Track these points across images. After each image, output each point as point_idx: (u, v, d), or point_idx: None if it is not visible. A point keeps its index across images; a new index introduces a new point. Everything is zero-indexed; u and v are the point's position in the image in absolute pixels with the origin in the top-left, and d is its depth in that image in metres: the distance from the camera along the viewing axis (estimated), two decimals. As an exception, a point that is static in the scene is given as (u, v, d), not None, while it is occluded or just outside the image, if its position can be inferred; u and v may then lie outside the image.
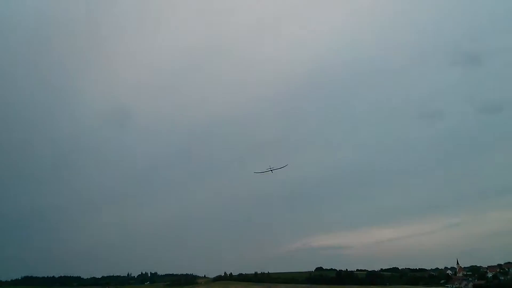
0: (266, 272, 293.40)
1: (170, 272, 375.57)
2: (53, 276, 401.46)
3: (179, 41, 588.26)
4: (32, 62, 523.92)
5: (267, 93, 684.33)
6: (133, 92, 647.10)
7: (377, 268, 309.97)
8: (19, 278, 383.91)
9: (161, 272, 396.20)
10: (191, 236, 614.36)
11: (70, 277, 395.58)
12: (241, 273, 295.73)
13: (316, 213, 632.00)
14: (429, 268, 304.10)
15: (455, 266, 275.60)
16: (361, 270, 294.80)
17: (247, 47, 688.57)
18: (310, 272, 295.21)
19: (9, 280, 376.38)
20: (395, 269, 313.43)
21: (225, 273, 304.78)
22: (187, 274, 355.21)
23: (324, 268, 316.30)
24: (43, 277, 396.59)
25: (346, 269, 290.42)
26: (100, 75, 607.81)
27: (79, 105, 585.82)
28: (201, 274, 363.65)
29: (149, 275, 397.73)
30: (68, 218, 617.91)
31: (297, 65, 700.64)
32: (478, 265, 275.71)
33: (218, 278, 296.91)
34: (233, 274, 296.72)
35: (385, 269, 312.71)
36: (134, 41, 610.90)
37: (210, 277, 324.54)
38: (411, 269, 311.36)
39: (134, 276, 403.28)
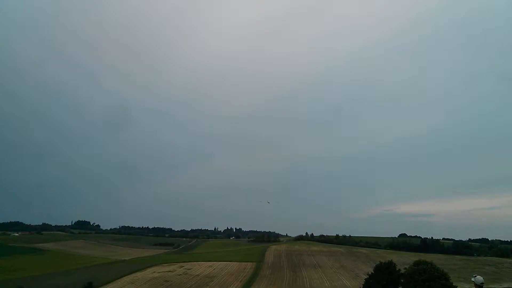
0: (347, 235, 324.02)
1: (254, 229, 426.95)
2: (147, 227, 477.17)
3: None
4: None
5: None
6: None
7: (465, 238, 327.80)
8: (117, 227, 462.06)
9: (245, 228, 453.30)
10: (276, 196, 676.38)
11: (163, 228, 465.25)
12: (323, 235, 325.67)
13: (401, 178, 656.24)
14: None
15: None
16: (447, 239, 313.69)
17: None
18: (393, 238, 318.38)
19: (109, 229, 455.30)
20: (484, 240, 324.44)
21: (306, 233, 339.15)
22: (269, 232, 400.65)
23: (408, 235, 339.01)
24: (138, 227, 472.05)
25: (432, 237, 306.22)
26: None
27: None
28: (283, 233, 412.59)
29: (234, 230, 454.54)
30: (160, 174, 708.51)
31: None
32: None
33: (300, 238, 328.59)
34: (314, 235, 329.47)
35: (473, 239, 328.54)
36: None
37: (292, 236, 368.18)
38: (502, 241, 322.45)
39: (221, 231, 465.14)
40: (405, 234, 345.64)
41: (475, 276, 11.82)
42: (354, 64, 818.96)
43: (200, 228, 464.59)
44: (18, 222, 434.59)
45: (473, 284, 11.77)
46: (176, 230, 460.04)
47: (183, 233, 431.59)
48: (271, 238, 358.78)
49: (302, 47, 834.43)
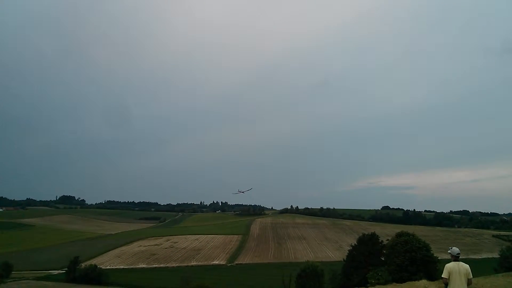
0: (331, 208, 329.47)
1: (240, 203, 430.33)
2: (133, 201, 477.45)
3: None
4: None
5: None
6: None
7: (446, 210, 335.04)
8: (103, 202, 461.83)
9: (231, 202, 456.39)
10: (260, 169, 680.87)
11: (148, 203, 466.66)
12: (307, 207, 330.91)
13: (385, 152, 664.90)
14: (502, 213, 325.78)
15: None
16: (429, 211, 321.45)
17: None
18: (376, 210, 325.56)
19: (94, 204, 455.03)
20: (465, 212, 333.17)
21: (291, 206, 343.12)
22: (255, 206, 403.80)
23: (391, 207, 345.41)
24: (124, 202, 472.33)
25: (414, 209, 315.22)
26: None
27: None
28: (268, 206, 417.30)
29: (220, 204, 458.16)
30: (146, 150, 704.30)
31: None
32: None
33: (285, 211, 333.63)
34: (299, 208, 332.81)
35: (454, 211, 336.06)
36: None
37: (277, 209, 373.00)
38: (482, 212, 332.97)
39: (206, 205, 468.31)
40: (388, 206, 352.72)
41: (451, 248, 12.30)
42: (341, 36, 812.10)
43: (186, 202, 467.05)
44: (1, 197, 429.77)
45: (449, 255, 12.23)
46: (162, 204, 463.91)
47: (169, 207, 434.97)
48: (256, 211, 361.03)
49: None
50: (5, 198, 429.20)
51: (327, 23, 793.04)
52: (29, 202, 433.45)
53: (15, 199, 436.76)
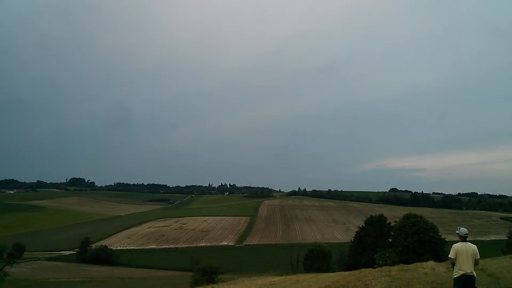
0: (339, 190, 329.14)
1: (248, 185, 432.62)
2: (142, 184, 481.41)
3: None
4: None
5: None
6: None
7: (454, 193, 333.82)
8: (112, 184, 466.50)
9: (239, 184, 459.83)
10: (268, 152, 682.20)
11: (158, 185, 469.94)
12: (315, 190, 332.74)
13: (393, 135, 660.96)
14: (510, 196, 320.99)
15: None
16: (437, 194, 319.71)
17: None
18: (384, 193, 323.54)
19: (103, 186, 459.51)
20: (473, 194, 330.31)
21: (299, 188, 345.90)
22: (263, 188, 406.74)
23: (398, 189, 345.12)
24: (133, 184, 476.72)
25: (422, 192, 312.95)
26: None
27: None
28: (276, 189, 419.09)
29: (228, 186, 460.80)
30: (156, 132, 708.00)
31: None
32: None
33: (293, 193, 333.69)
34: (307, 190, 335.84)
35: (463, 193, 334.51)
36: None
37: (285, 191, 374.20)
38: (490, 195, 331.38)
39: (215, 187, 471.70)
40: (396, 188, 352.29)
41: (459, 229, 12.35)
42: (350, 18, 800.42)
43: (194, 184, 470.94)
44: (12, 180, 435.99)
45: (457, 236, 12.33)
46: (171, 186, 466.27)
47: (178, 189, 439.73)
48: (264, 193, 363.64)
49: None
50: (16, 181, 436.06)
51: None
52: (40, 185, 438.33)
53: (26, 182, 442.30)
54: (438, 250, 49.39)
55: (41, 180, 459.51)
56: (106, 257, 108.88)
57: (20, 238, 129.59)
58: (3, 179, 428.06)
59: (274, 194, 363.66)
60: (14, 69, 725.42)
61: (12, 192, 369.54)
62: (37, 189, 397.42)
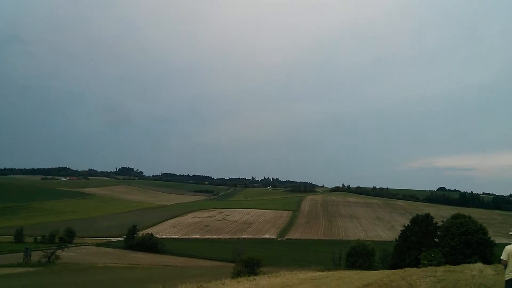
0: (384, 187, 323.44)
1: (291, 180, 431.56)
2: (188, 175, 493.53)
3: None
4: None
5: None
6: None
7: (505, 193, 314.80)
8: (159, 174, 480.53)
9: (282, 178, 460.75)
10: (313, 146, 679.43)
11: (202, 176, 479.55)
12: (359, 186, 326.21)
13: (444, 132, 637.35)
14: None
15: None
16: (487, 194, 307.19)
17: None
18: (431, 191, 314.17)
19: (151, 175, 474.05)
20: None
21: (343, 184, 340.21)
22: (306, 183, 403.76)
23: (447, 188, 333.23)
24: (179, 175, 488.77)
25: (471, 192, 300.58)
26: None
27: None
28: (319, 184, 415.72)
29: (271, 180, 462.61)
30: (204, 124, 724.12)
31: None
32: None
33: (336, 189, 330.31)
34: (351, 186, 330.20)
35: None
36: None
37: (328, 187, 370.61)
38: None
39: (258, 180, 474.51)
40: (444, 188, 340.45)
41: None
42: (405, 13, 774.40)
43: (238, 177, 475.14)
44: (65, 167, 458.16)
45: (511, 238, 11.99)
46: (215, 178, 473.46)
47: (222, 181, 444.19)
48: (307, 188, 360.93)
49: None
50: (69, 169, 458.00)
51: None
52: (91, 173, 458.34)
53: (78, 170, 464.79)
54: (486, 252, 47.63)
55: (92, 169, 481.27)
56: (152, 245, 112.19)
57: (71, 224, 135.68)
58: (57, 167, 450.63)
59: (317, 190, 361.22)
60: (73, 64, 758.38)
61: (65, 179, 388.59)
62: (88, 177, 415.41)
